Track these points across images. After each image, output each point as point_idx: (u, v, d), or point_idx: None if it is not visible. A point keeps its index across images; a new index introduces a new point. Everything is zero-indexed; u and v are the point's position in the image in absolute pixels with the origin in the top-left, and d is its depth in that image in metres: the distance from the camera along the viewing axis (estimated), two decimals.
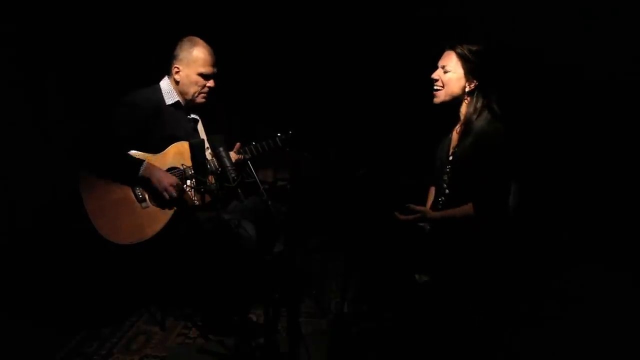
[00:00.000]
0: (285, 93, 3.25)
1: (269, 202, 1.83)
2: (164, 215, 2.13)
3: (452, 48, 1.93)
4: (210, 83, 2.26)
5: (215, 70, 2.25)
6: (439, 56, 1.98)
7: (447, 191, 2.00)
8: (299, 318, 1.76)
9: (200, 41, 2.24)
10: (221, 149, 1.89)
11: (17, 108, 2.56)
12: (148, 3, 2.90)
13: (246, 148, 2.34)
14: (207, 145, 2.13)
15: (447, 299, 1.89)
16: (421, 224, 2.03)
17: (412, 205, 1.96)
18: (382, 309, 2.12)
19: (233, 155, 2.27)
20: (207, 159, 2.13)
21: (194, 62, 2.20)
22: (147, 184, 2.10)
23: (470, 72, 1.89)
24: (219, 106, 2.59)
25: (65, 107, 2.77)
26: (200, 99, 2.27)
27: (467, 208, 1.88)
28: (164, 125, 2.18)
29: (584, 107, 2.85)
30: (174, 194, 2.09)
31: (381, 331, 2.09)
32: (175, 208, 2.14)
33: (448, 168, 2.01)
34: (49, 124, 2.70)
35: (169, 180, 2.10)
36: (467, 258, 1.87)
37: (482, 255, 1.87)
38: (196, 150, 1.97)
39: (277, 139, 2.36)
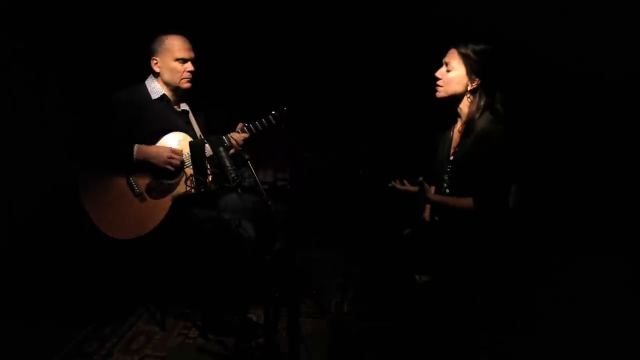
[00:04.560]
0: (286, 93, 3.24)
1: (269, 202, 1.83)
2: (163, 207, 2.15)
3: (456, 46, 1.92)
4: (189, 67, 2.26)
5: (192, 55, 2.26)
6: (443, 54, 1.98)
7: (447, 190, 2.00)
8: (299, 318, 1.76)
9: (172, 32, 2.26)
10: (221, 149, 1.89)
11: (16, 106, 2.56)
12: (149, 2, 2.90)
13: (245, 126, 2.33)
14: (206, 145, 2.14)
15: (447, 299, 1.89)
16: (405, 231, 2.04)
17: (424, 182, 1.95)
18: (382, 309, 2.12)
19: (239, 135, 2.28)
20: (206, 159, 2.14)
21: (168, 50, 2.23)
22: (145, 165, 2.13)
23: (472, 71, 1.89)
24: (210, 104, 2.60)
25: (65, 104, 2.77)
26: (184, 85, 2.28)
27: (467, 201, 1.88)
28: (152, 120, 2.21)
29: (584, 108, 2.85)
30: (177, 162, 2.14)
31: (381, 331, 2.09)
32: (172, 196, 2.16)
33: (449, 167, 2.00)
34: (48, 120, 2.70)
35: (165, 152, 2.14)
36: (467, 258, 1.87)
37: (482, 255, 1.87)
38: (196, 150, 1.97)
39: (270, 117, 2.35)
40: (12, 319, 2.26)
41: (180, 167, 2.18)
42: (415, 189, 2.01)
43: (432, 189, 2.18)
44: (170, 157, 2.14)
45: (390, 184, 2.12)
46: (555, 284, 2.51)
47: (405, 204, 2.05)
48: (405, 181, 2.12)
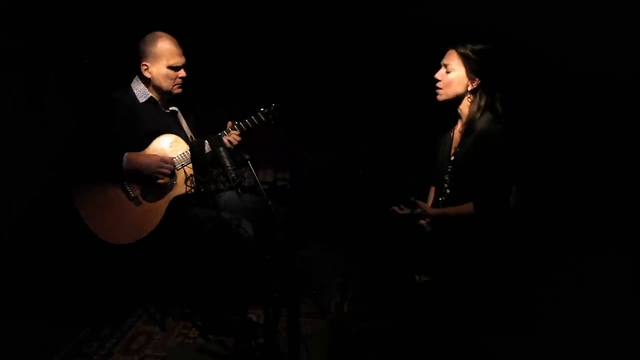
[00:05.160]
0: (286, 93, 3.25)
1: (269, 202, 1.83)
2: (159, 209, 2.15)
3: (454, 47, 1.92)
4: (182, 73, 2.24)
5: (184, 60, 2.23)
6: (442, 53, 1.98)
7: (448, 191, 2.00)
8: (299, 318, 1.76)
9: (163, 34, 2.22)
10: (221, 149, 1.89)
11: (16, 106, 2.56)
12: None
13: (235, 124, 2.32)
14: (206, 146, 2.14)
15: (447, 299, 1.88)
16: (422, 222, 2.04)
17: (418, 201, 1.96)
18: (382, 309, 2.12)
19: (232, 134, 2.27)
20: (206, 159, 2.13)
21: (160, 56, 2.19)
22: (136, 175, 2.11)
23: (472, 71, 1.89)
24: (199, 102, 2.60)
25: (65, 104, 2.77)
26: (176, 90, 2.26)
27: (468, 207, 1.89)
28: (141, 124, 2.19)
29: (584, 107, 2.85)
30: (168, 171, 2.11)
31: (381, 331, 2.09)
32: (169, 199, 2.16)
33: (450, 168, 2.00)
34: (48, 120, 2.70)
35: (155, 162, 2.12)
36: (468, 258, 1.87)
37: (482, 255, 1.87)
38: (196, 151, 1.97)
39: (259, 113, 2.34)
40: (12, 319, 2.25)
41: (171, 175, 2.16)
42: (411, 210, 1.99)
43: (432, 189, 2.18)
44: (161, 167, 2.12)
45: (392, 209, 2.09)
46: (555, 284, 2.51)
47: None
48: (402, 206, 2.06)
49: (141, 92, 2.24)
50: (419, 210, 1.96)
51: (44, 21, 2.63)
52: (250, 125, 2.32)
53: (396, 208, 2.03)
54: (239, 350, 2.07)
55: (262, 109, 2.35)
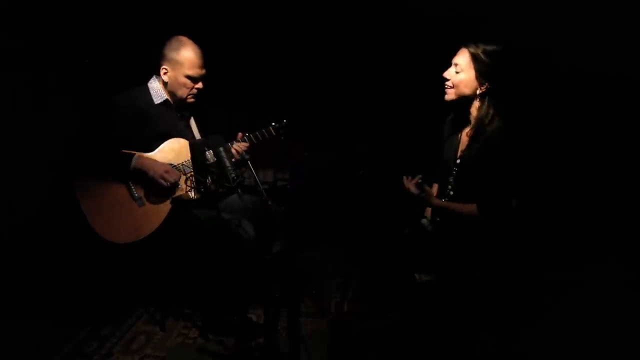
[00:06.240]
0: (286, 93, 3.25)
1: (269, 202, 1.83)
2: (161, 213, 2.14)
3: (467, 46, 1.87)
4: (199, 85, 2.23)
5: (203, 72, 2.22)
6: (448, 55, 1.94)
7: (451, 193, 1.99)
8: (299, 318, 1.76)
9: (189, 42, 2.20)
10: (221, 148, 1.89)
11: (16, 106, 2.56)
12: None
13: (246, 136, 2.32)
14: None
15: (448, 299, 1.88)
16: (423, 223, 2.03)
17: (426, 186, 1.94)
18: (383, 309, 2.12)
19: (239, 145, 2.27)
20: (207, 159, 2.14)
21: (181, 64, 2.17)
22: (141, 176, 2.11)
23: (482, 74, 1.85)
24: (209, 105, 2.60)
25: (65, 104, 2.77)
26: (190, 100, 2.26)
27: (471, 207, 1.87)
28: (153, 125, 2.19)
29: (591, 110, 2.84)
30: (172, 179, 2.11)
31: (381, 331, 2.09)
32: (171, 205, 2.16)
33: (455, 170, 1.99)
34: (48, 120, 2.70)
35: (164, 167, 2.12)
36: (469, 259, 1.87)
37: (484, 255, 1.87)
38: (196, 151, 1.97)
39: (271, 127, 2.34)
40: (12, 319, 2.25)
41: (175, 185, 2.15)
42: (418, 192, 1.95)
43: (435, 187, 2.18)
44: (167, 173, 2.11)
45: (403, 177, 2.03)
46: (556, 284, 2.51)
47: (406, 204, 2.04)
48: (416, 180, 1.97)
49: (157, 93, 2.23)
50: (424, 194, 1.93)
51: (45, 21, 2.64)
52: (261, 139, 2.33)
53: (406, 180, 1.97)
54: (239, 350, 2.07)
55: (273, 124, 2.35)
